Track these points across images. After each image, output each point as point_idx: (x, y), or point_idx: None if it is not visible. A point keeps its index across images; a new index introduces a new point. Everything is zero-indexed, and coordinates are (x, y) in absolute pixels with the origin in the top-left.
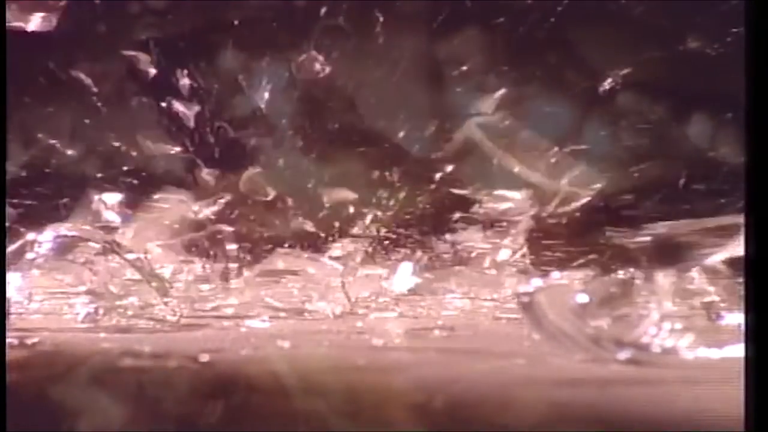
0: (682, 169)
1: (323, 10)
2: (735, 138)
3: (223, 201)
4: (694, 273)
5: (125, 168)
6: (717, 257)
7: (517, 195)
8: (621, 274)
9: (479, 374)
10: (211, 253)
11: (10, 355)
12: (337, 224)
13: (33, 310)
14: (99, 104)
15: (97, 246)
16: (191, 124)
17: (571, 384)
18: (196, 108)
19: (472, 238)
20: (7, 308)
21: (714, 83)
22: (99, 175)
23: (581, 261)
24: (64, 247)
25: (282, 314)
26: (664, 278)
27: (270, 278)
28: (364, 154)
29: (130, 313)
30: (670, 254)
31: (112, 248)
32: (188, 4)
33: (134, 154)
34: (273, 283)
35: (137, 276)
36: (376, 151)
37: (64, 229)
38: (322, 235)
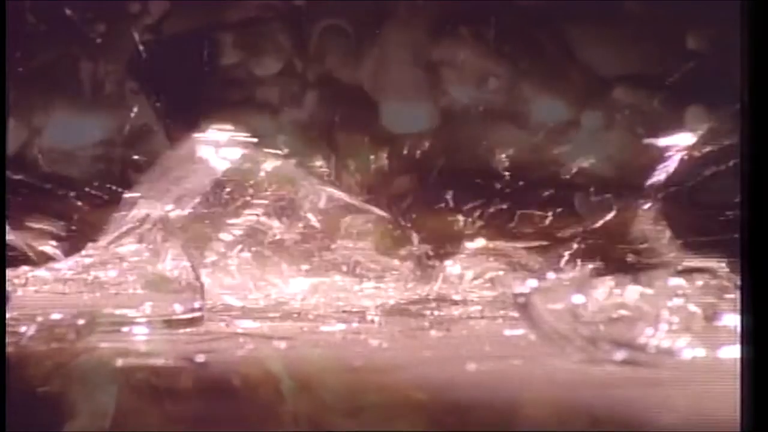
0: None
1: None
2: (732, 137)
3: None
4: (691, 273)
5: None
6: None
7: None
8: (617, 274)
9: (475, 375)
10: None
11: (10, 354)
12: None
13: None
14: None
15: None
16: None
17: (568, 385)
18: None
19: None
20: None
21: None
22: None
23: (578, 261)
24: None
25: (276, 314)
26: (660, 278)
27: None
28: None
29: None
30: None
31: (110, 247)
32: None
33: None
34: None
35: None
36: None
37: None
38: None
